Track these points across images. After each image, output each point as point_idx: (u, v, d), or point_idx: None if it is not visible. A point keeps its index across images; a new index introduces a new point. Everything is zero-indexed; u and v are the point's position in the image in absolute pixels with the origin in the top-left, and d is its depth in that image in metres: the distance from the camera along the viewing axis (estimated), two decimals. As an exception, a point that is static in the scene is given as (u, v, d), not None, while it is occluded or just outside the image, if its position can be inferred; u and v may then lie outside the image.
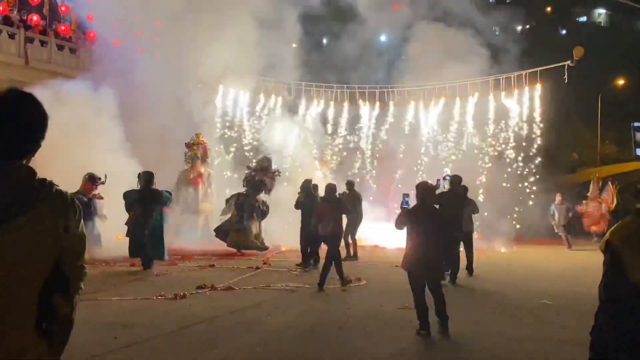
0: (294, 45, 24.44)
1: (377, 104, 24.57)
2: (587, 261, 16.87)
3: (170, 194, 14.25)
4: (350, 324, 8.50)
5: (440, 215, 8.51)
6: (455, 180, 12.99)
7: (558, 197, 21.25)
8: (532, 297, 10.97)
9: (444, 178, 13.30)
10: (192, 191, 20.55)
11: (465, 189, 13.31)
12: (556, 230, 21.25)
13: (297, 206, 15.13)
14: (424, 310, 7.89)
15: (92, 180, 14.66)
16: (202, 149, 21.05)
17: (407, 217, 8.17)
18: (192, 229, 19.59)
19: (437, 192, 12.30)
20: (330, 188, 12.39)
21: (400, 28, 24.93)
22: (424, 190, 8.29)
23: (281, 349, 7.11)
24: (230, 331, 7.94)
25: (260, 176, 17.58)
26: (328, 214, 11.89)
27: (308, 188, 15.14)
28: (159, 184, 14.23)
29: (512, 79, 21.79)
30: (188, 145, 20.99)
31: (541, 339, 7.88)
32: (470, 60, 21.97)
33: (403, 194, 9.10)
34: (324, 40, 30.36)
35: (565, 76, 20.45)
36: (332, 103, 25.12)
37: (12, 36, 21.62)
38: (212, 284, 11.28)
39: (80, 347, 6.86)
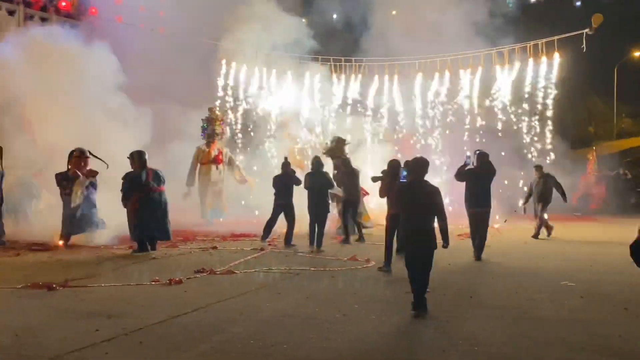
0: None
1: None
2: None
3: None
4: (355, 310, 7.78)
5: (435, 192, 7.94)
6: (485, 156, 12.57)
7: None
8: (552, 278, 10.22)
9: (475, 153, 12.83)
10: (215, 169, 19.95)
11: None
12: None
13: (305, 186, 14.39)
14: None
15: (82, 155, 13.85)
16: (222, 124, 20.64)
17: (400, 193, 7.99)
18: (216, 210, 19.29)
19: (467, 168, 12.34)
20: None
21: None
22: (417, 165, 8.00)
23: (277, 340, 6.37)
24: (224, 320, 7.24)
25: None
26: None
27: (317, 165, 14.39)
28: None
29: (528, 48, 20.89)
30: (210, 121, 20.36)
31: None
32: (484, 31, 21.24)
33: (402, 167, 8.92)
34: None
35: (584, 45, 19.57)
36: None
37: (11, 13, 20.85)
38: (212, 267, 10.62)
39: (58, 340, 6.31)
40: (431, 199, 7.80)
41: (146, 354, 5.95)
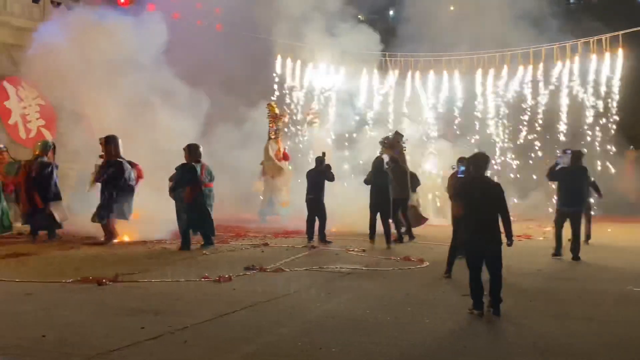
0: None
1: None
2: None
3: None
4: (407, 314, 7.45)
5: (498, 188, 7.67)
6: (578, 155, 12.37)
7: None
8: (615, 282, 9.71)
9: (565, 152, 12.75)
10: (286, 165, 19.91)
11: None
12: None
13: (366, 182, 14.30)
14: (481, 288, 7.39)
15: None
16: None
17: (461, 190, 7.73)
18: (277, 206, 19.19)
19: (557, 168, 12.26)
20: None
21: None
22: (478, 160, 7.73)
23: (325, 343, 6.09)
24: (272, 320, 7.01)
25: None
26: None
27: (379, 164, 14.24)
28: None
29: (591, 43, 20.21)
30: (275, 118, 20.29)
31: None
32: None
33: (457, 161, 8.64)
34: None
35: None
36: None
37: (35, 0, 20.80)
38: (262, 265, 10.43)
39: (102, 337, 6.18)
40: (495, 195, 7.51)
41: (190, 354, 5.76)
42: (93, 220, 13.28)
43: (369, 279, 9.80)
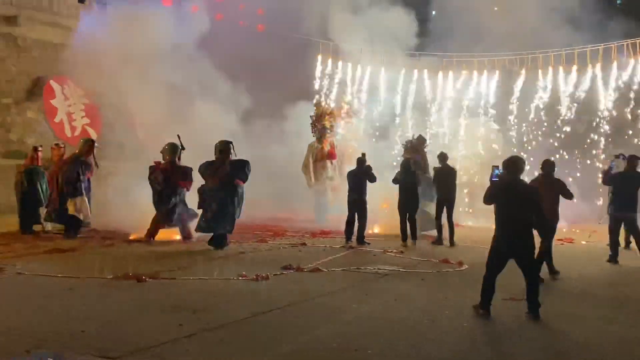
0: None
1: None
2: None
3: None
4: (446, 317, 7.35)
5: (533, 191, 7.78)
6: (634, 159, 12.10)
7: None
8: None
9: (617, 157, 12.74)
10: (330, 165, 19.88)
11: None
12: None
13: (394, 181, 14.44)
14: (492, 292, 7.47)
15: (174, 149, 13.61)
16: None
17: (496, 192, 7.75)
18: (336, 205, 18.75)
19: (612, 172, 12.17)
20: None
21: None
22: (514, 164, 7.68)
23: (361, 345, 6.05)
24: (308, 321, 6.99)
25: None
26: None
27: (407, 165, 14.42)
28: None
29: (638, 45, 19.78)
30: (319, 117, 20.31)
31: None
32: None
33: (493, 166, 8.62)
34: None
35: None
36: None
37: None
38: (299, 264, 10.40)
39: (140, 334, 6.23)
40: (530, 197, 7.52)
41: (226, 353, 5.77)
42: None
43: (406, 280, 9.68)
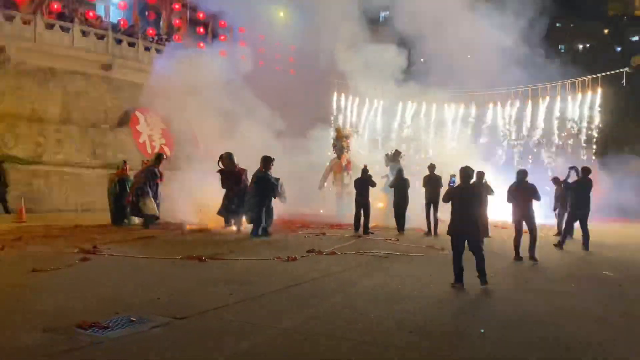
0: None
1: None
2: None
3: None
4: (431, 290, 7.25)
5: (477, 192, 8.01)
6: (584, 171, 11.75)
7: None
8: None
9: (571, 169, 12.31)
10: (347, 175, 19.83)
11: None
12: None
13: (390, 186, 14.77)
14: (460, 268, 7.42)
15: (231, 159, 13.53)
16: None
17: (451, 194, 7.82)
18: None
19: (570, 180, 11.94)
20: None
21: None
22: (465, 173, 7.65)
23: (367, 309, 6.00)
24: (326, 291, 6.94)
25: None
26: None
27: (400, 173, 14.66)
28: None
29: (577, 84, 19.52)
30: (339, 138, 20.30)
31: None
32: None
33: (450, 175, 8.62)
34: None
35: (624, 80, 18.10)
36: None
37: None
38: (320, 249, 10.34)
39: (203, 300, 6.24)
40: (474, 197, 7.70)
41: (265, 314, 5.76)
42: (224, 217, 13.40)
43: (401, 261, 9.58)
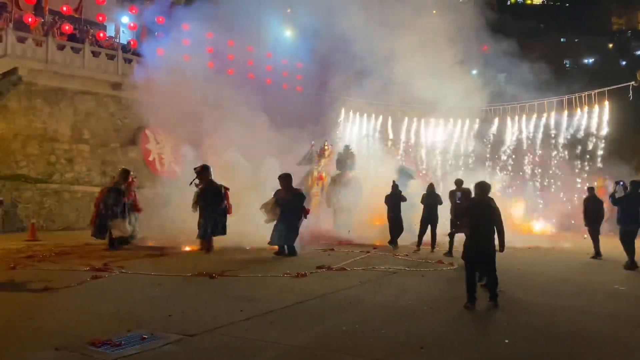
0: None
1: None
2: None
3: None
4: (441, 305, 7.22)
5: (493, 210, 7.26)
6: (634, 184, 11.43)
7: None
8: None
9: (617, 183, 12.19)
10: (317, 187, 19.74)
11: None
12: None
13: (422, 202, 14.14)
14: (473, 290, 7.03)
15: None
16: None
17: (464, 212, 7.42)
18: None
19: (617, 195, 11.52)
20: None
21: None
22: (482, 188, 7.29)
23: (376, 326, 5.98)
24: (336, 307, 6.92)
25: None
26: None
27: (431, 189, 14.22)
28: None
29: (584, 98, 19.56)
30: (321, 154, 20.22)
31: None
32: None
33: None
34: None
35: (630, 94, 18.09)
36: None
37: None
38: (329, 265, 10.31)
39: (212, 317, 6.22)
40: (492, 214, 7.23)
41: (275, 332, 5.74)
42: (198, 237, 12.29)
43: (411, 277, 9.54)
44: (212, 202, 12.26)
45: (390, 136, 23.74)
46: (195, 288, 8.04)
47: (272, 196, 12.31)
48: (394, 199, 14.24)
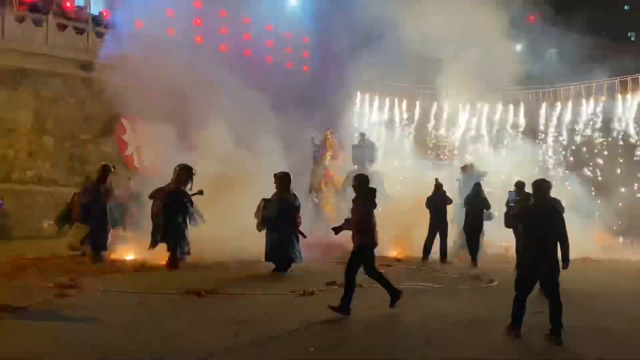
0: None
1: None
2: None
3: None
4: (475, 327, 7.13)
5: (556, 213, 6.98)
6: None
7: None
8: None
9: None
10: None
11: None
12: None
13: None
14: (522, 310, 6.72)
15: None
16: None
17: (522, 216, 7.14)
18: None
19: None
20: None
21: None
22: (539, 187, 6.92)
23: (401, 354, 5.91)
24: (350, 333, 6.91)
25: None
26: None
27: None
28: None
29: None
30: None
31: None
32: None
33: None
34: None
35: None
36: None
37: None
38: (342, 281, 10.19)
39: (201, 343, 6.17)
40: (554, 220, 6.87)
41: (276, 362, 5.68)
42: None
43: (440, 295, 9.47)
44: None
45: (415, 121, 23.79)
46: (179, 309, 8.01)
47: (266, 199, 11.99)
48: (437, 201, 13.74)
